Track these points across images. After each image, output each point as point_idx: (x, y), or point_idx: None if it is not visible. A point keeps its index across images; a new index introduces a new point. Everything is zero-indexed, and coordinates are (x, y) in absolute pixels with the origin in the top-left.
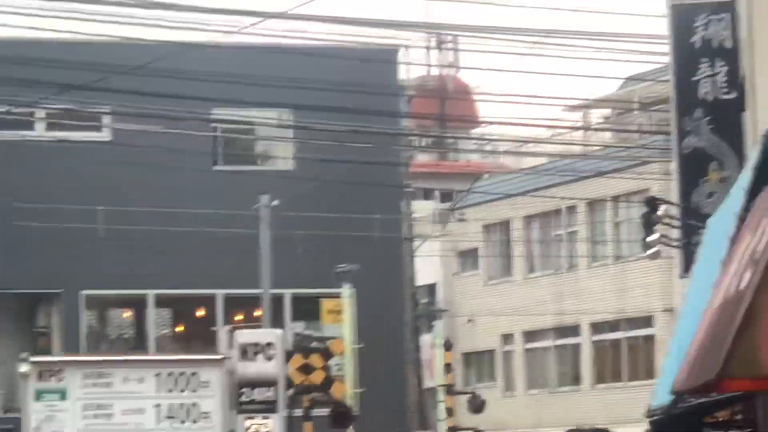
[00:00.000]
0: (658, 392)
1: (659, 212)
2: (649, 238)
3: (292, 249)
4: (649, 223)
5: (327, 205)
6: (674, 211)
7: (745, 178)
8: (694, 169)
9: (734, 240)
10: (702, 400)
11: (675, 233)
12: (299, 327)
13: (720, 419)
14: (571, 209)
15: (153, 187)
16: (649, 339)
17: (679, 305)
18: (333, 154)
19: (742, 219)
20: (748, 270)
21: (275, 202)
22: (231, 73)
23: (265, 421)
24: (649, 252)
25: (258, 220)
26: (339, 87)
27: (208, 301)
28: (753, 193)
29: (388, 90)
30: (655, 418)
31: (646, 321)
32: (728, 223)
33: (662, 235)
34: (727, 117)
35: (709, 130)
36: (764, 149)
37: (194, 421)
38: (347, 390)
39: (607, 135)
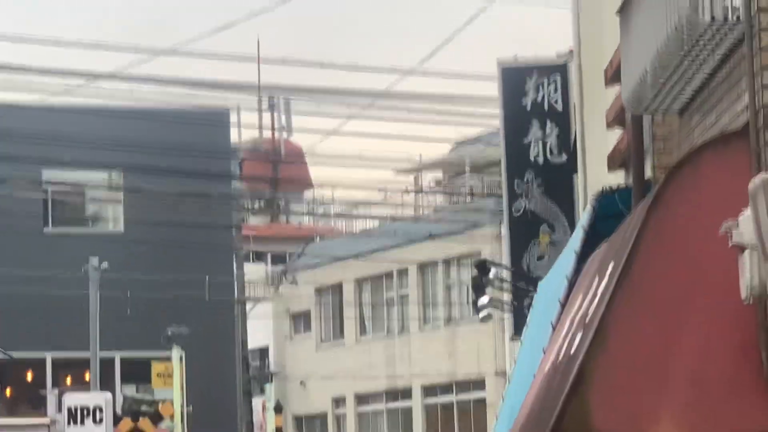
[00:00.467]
0: None
1: (490, 275)
2: (480, 301)
3: (123, 311)
4: (479, 286)
5: (158, 267)
6: (505, 273)
7: (575, 240)
8: (524, 231)
9: (565, 303)
10: None
11: (506, 296)
12: (130, 390)
13: None
14: (403, 272)
15: None
16: (481, 402)
17: (510, 368)
18: (164, 215)
19: (572, 282)
20: (579, 332)
21: (104, 265)
22: (61, 133)
23: None
24: (480, 315)
25: (87, 282)
26: (170, 149)
27: (38, 364)
28: (583, 255)
29: (219, 152)
30: None
31: (478, 384)
32: (559, 286)
33: (493, 299)
34: (558, 179)
35: (540, 192)
36: (593, 211)
37: None
38: None
39: (439, 198)
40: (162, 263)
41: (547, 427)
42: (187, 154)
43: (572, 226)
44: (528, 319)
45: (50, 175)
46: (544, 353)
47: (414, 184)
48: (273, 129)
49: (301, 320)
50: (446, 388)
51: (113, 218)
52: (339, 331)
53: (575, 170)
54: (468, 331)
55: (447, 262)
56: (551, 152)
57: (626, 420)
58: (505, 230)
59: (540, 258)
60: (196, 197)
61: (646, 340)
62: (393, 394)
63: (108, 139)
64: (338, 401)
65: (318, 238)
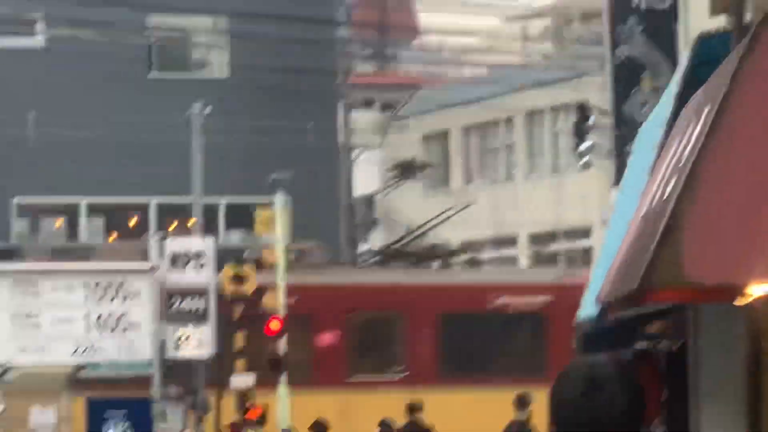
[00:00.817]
0: (585, 304)
1: (590, 121)
2: (581, 147)
3: (227, 157)
4: (580, 132)
5: (262, 113)
6: (606, 120)
7: (674, 85)
8: (626, 78)
9: (662, 147)
10: (631, 312)
11: (607, 142)
12: (233, 236)
13: (651, 332)
14: (509, 120)
15: (87, 93)
16: (587, 251)
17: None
18: (270, 61)
19: (669, 127)
20: (673, 178)
21: (208, 110)
22: None
23: (195, 330)
24: (581, 162)
25: (191, 128)
26: None
27: (142, 210)
28: (681, 100)
29: None
30: (583, 330)
31: (584, 233)
32: (657, 132)
33: (594, 145)
34: (660, 25)
35: (643, 38)
36: (695, 54)
37: (123, 331)
38: (279, 301)
39: (547, 46)
40: (266, 109)
41: (638, 275)
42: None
43: (674, 72)
44: (627, 166)
45: (156, 20)
46: (641, 199)
47: (522, 32)
48: None
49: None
50: (552, 237)
51: (218, 64)
52: (445, 179)
53: (677, 15)
54: (574, 179)
55: (554, 110)
56: None
57: (718, 269)
58: (608, 77)
59: (642, 104)
60: (302, 43)
61: (739, 185)
62: (499, 242)
63: None
64: None
65: (426, 85)
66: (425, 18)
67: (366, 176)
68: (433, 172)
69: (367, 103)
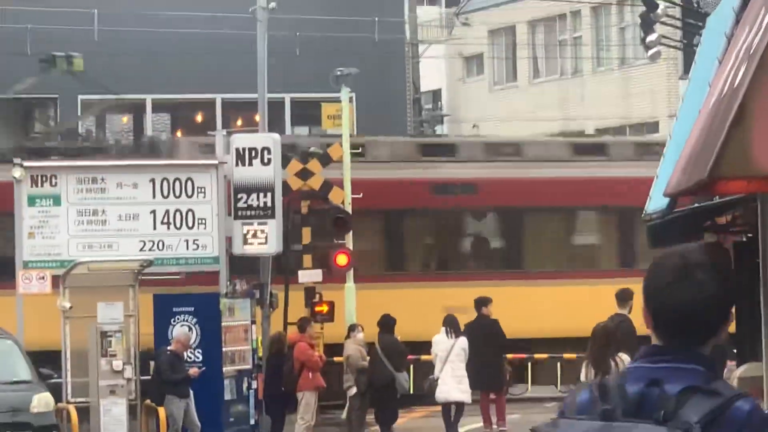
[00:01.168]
0: (653, 197)
1: (658, 10)
2: (648, 38)
3: (292, 53)
4: (648, 22)
5: (328, 8)
6: (675, 10)
7: None
8: None
9: (731, 36)
10: (700, 204)
11: (676, 34)
12: (301, 132)
13: (719, 223)
14: (576, 13)
15: None
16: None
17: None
18: None
19: (740, 13)
20: (743, 65)
21: (273, 5)
22: None
23: (262, 226)
24: (648, 53)
25: (255, 23)
26: None
27: (207, 106)
28: None
29: None
30: (651, 222)
31: (652, 127)
32: (727, 20)
33: (661, 36)
34: None
35: None
36: None
37: (189, 227)
38: (346, 195)
39: None
40: (332, 4)
41: (706, 165)
42: None
43: None
44: (696, 56)
45: None
46: (710, 89)
47: None
48: None
49: (473, 62)
50: (619, 131)
51: None
52: (512, 74)
53: None
54: (642, 73)
55: (621, 3)
56: None
57: None
58: None
59: None
60: None
61: None
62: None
63: None
64: None
65: None
66: None
67: (432, 71)
68: (499, 67)
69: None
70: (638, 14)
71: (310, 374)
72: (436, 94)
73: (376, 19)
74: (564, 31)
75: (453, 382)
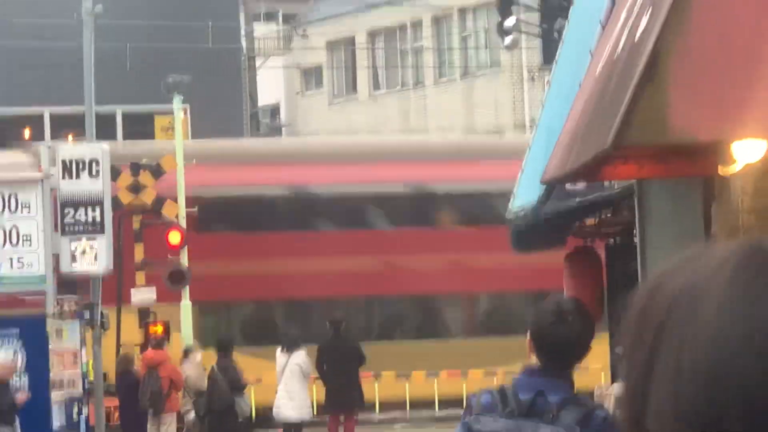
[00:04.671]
0: (518, 193)
1: None
2: (506, 23)
3: (123, 64)
4: (505, 3)
5: (159, 16)
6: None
7: None
8: None
9: None
10: (561, 208)
11: (533, 19)
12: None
13: (587, 226)
14: (417, 23)
15: None
16: None
17: (532, 119)
18: None
19: None
20: (646, 13)
21: (99, 8)
22: None
23: (90, 242)
24: (505, 42)
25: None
26: None
27: (36, 121)
28: None
29: None
30: (515, 226)
31: (496, 137)
32: None
33: (519, 21)
34: None
35: None
36: None
37: (14, 245)
38: (179, 210)
39: None
40: (163, 12)
41: (607, 134)
42: None
43: None
44: (564, 36)
45: None
46: (592, 55)
47: None
48: None
49: (312, 75)
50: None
51: None
52: (352, 86)
53: None
54: (485, 82)
55: (462, 11)
56: None
57: (708, 115)
58: None
59: None
60: None
61: (737, 17)
62: None
63: None
64: None
65: None
66: None
67: (269, 85)
68: (338, 80)
69: (270, 16)
70: (485, 26)
71: (179, 394)
72: (274, 109)
73: (210, 23)
74: (405, 41)
75: (286, 400)
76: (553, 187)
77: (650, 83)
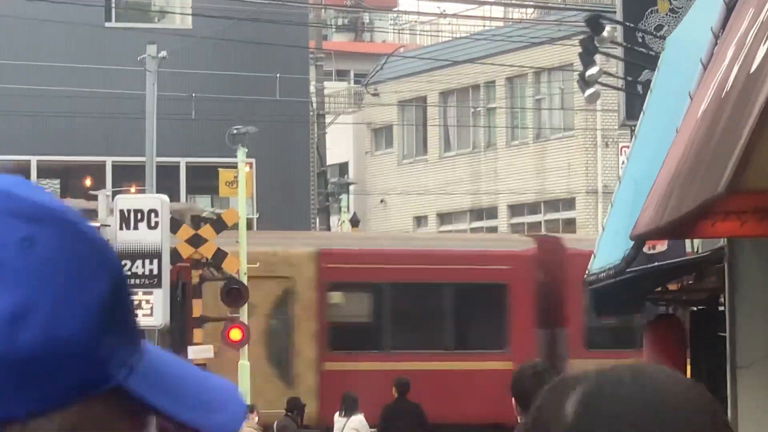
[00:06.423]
0: (599, 253)
1: (604, 33)
2: (588, 72)
3: (188, 114)
4: (589, 51)
5: (228, 67)
6: (620, 35)
7: None
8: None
9: (718, 35)
10: (641, 272)
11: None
12: (201, 201)
13: (667, 290)
14: (490, 84)
15: (38, 41)
16: (571, 222)
17: (605, 186)
18: (236, 12)
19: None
20: (765, 42)
21: (163, 53)
22: None
23: (147, 296)
24: (587, 93)
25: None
26: None
27: (97, 169)
28: None
29: None
30: (592, 290)
31: (568, 203)
32: (696, 31)
33: (602, 70)
34: None
35: None
36: None
37: None
38: (241, 265)
39: (528, 10)
40: (229, 62)
41: (719, 178)
42: None
43: None
44: (651, 85)
45: None
46: (692, 98)
47: None
48: None
49: (382, 135)
50: (534, 207)
51: (181, 12)
52: (422, 147)
53: None
54: (558, 146)
55: (537, 74)
56: None
57: None
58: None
59: (657, 28)
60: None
61: None
62: (477, 213)
63: None
64: (420, 219)
65: (402, 49)
66: None
67: (339, 144)
68: (409, 140)
69: (342, 74)
70: (560, 89)
71: None
72: (342, 167)
73: (278, 75)
74: (477, 102)
75: None
76: (642, 243)
77: None
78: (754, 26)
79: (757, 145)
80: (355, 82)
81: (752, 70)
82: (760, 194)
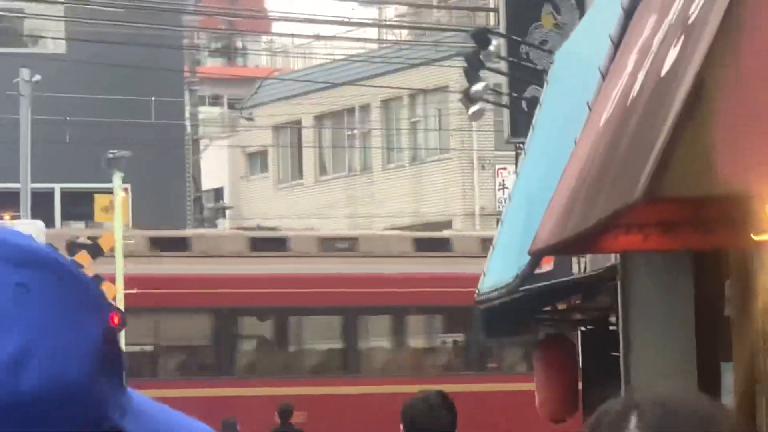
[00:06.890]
0: (489, 272)
1: (491, 47)
2: (474, 89)
3: (62, 139)
4: (474, 66)
5: (102, 91)
6: (503, 50)
7: None
8: (523, 13)
9: (619, 40)
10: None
11: (503, 85)
12: (76, 227)
13: (556, 310)
14: (365, 107)
15: None
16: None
17: (482, 207)
18: (110, 35)
19: (629, 10)
20: (675, 45)
21: (37, 77)
22: None
23: None
24: (471, 109)
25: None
26: None
27: None
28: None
29: None
30: (483, 311)
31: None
32: (592, 46)
33: (487, 86)
34: None
35: None
36: None
37: None
38: (118, 291)
39: (404, 32)
40: (104, 86)
41: (639, 173)
42: None
43: (581, 4)
44: (542, 99)
45: None
46: (590, 108)
47: (378, 16)
48: None
49: (257, 159)
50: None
51: (54, 37)
52: (297, 171)
53: None
54: (434, 169)
55: (413, 96)
56: None
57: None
58: (501, 11)
59: (542, 43)
60: (146, 13)
61: None
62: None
63: None
64: None
65: (276, 73)
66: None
67: (213, 169)
68: (284, 165)
69: (215, 99)
70: (436, 112)
71: None
72: (218, 192)
73: (153, 98)
74: (352, 126)
75: None
76: (539, 259)
77: (691, 122)
78: (659, 31)
79: (675, 150)
80: (229, 107)
81: (663, 74)
82: (666, 205)
